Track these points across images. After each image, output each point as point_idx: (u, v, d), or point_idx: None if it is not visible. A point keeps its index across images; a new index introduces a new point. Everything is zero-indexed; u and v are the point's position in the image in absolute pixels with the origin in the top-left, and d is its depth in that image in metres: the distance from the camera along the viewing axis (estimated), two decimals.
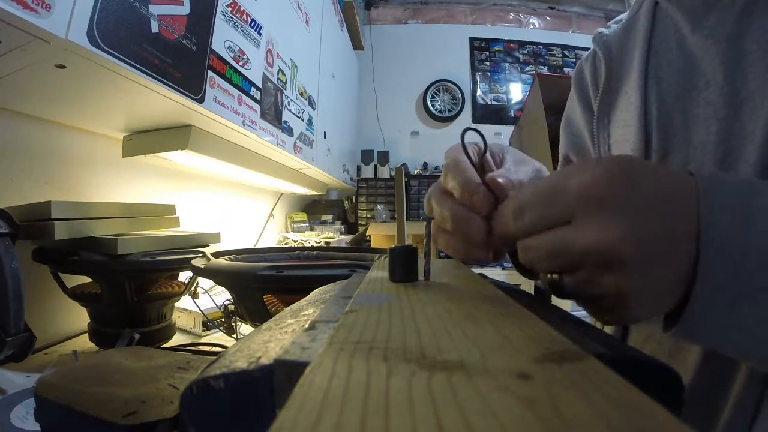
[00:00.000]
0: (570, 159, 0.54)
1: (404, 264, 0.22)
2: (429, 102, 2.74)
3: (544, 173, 0.33)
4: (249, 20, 0.82)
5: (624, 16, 0.47)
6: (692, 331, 0.20)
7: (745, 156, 0.31)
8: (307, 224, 1.92)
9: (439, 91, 2.77)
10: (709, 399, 0.32)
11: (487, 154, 0.30)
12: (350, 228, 2.25)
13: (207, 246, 0.75)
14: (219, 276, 0.49)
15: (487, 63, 2.82)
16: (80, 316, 0.69)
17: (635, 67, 0.41)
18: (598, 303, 0.20)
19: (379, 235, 1.92)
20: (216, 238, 0.79)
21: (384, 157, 2.58)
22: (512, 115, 2.75)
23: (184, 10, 0.61)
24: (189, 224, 0.93)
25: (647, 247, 0.18)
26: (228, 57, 0.74)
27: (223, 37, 0.72)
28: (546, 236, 0.20)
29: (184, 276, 0.71)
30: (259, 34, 0.87)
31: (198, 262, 0.51)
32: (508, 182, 0.25)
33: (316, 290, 0.27)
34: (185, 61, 0.61)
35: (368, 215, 2.27)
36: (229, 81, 0.75)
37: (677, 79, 0.37)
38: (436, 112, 2.74)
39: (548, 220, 0.20)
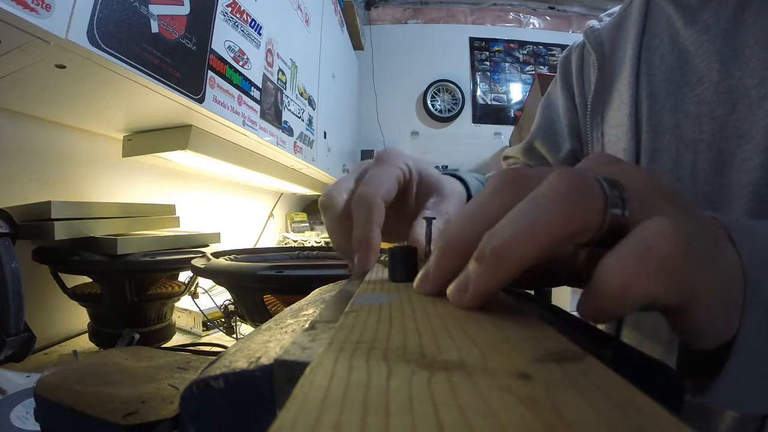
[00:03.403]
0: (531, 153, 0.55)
1: (404, 264, 0.22)
2: (429, 102, 2.74)
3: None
4: (249, 20, 0.82)
5: (617, 9, 0.46)
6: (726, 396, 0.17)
7: (740, 156, 0.30)
8: (307, 224, 1.92)
9: (439, 91, 2.77)
10: (704, 418, 0.31)
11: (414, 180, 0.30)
12: None
13: (207, 246, 0.75)
14: (219, 276, 0.49)
15: (487, 63, 2.82)
16: (80, 316, 0.69)
17: (627, 64, 0.40)
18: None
19: None
20: (216, 238, 0.79)
21: None
22: (512, 115, 2.75)
23: (184, 10, 0.61)
24: (189, 224, 0.93)
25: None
26: (228, 57, 0.74)
27: (223, 37, 0.72)
28: None
29: (184, 276, 0.71)
30: (259, 34, 0.87)
31: (198, 262, 0.51)
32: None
33: (316, 290, 0.27)
34: (185, 61, 0.61)
35: None
36: (229, 81, 0.75)
37: (669, 75, 0.36)
38: (436, 112, 2.74)
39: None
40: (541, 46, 2.86)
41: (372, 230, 0.25)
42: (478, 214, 0.16)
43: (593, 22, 0.47)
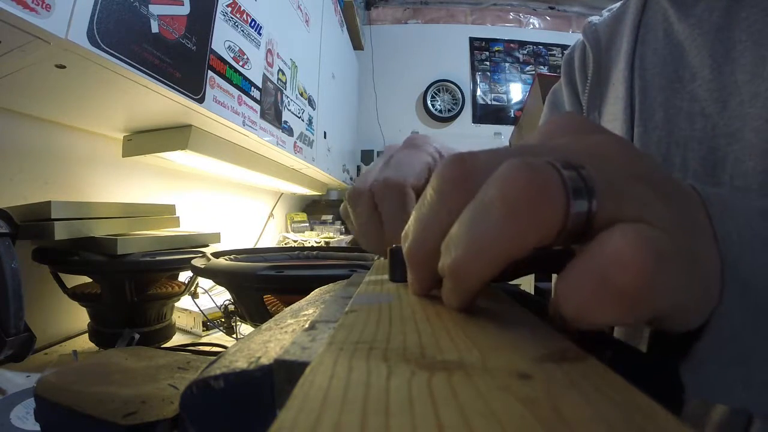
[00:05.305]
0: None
1: (404, 264, 0.22)
2: (429, 102, 2.74)
3: None
4: (249, 20, 0.82)
5: (618, 4, 0.46)
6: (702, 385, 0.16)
7: (731, 156, 0.29)
8: (307, 224, 1.92)
9: (439, 91, 2.77)
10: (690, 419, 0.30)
11: None
12: None
13: (207, 246, 0.75)
14: (219, 276, 0.49)
15: (487, 63, 2.83)
16: (80, 316, 0.69)
17: (622, 58, 0.40)
18: None
19: None
20: (216, 238, 0.79)
21: None
22: (512, 115, 2.75)
23: (184, 10, 0.61)
24: (189, 224, 0.93)
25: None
26: (228, 57, 0.74)
27: (223, 37, 0.72)
28: None
29: (184, 276, 0.71)
30: (259, 34, 0.87)
31: (198, 262, 0.51)
32: None
33: (316, 290, 0.27)
34: (185, 61, 0.61)
35: None
36: (229, 81, 0.75)
37: (661, 70, 0.36)
38: (436, 112, 2.74)
39: None
40: (541, 46, 2.86)
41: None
42: (429, 222, 0.15)
43: (593, 18, 0.47)
